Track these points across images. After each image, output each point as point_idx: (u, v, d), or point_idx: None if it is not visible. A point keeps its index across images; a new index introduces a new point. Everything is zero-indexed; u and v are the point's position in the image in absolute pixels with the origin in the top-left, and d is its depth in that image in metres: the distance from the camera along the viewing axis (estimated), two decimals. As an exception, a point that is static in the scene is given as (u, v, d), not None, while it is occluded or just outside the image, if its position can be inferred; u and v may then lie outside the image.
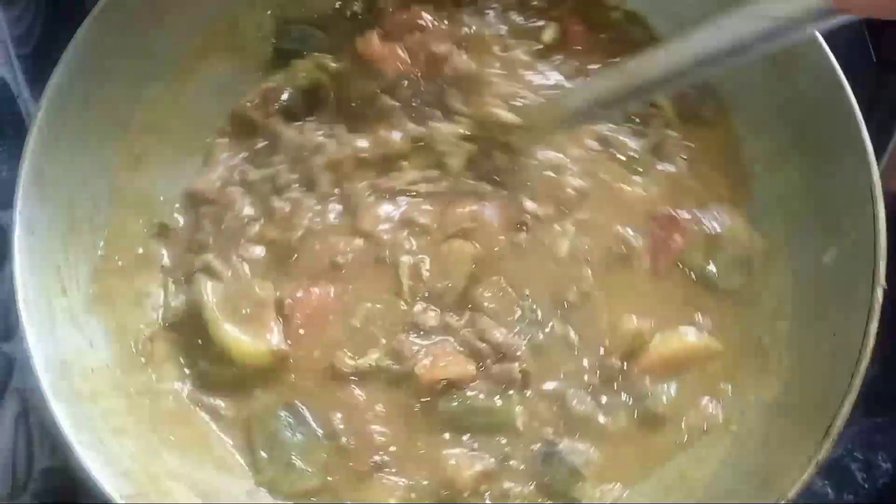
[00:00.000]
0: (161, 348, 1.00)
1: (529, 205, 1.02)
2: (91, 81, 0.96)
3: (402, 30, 1.07)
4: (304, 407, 0.96)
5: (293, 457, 0.94)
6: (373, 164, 1.05)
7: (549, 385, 0.96)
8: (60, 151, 0.93)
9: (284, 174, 1.05)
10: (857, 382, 0.82)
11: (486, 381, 0.95)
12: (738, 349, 0.98)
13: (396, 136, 1.05)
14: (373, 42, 1.07)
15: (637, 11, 1.11)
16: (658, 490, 0.94)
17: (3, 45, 1.19)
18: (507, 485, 0.92)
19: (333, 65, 1.09)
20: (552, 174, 1.03)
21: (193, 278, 1.00)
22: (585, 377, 0.96)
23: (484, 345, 0.95)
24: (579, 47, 1.10)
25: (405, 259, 1.00)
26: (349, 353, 0.97)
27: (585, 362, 0.96)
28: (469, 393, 0.94)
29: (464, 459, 0.93)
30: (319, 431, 0.95)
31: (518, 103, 1.04)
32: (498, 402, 0.94)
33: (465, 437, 0.94)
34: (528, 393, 0.95)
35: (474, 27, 1.09)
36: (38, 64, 1.17)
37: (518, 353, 0.95)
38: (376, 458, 0.93)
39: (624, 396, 0.95)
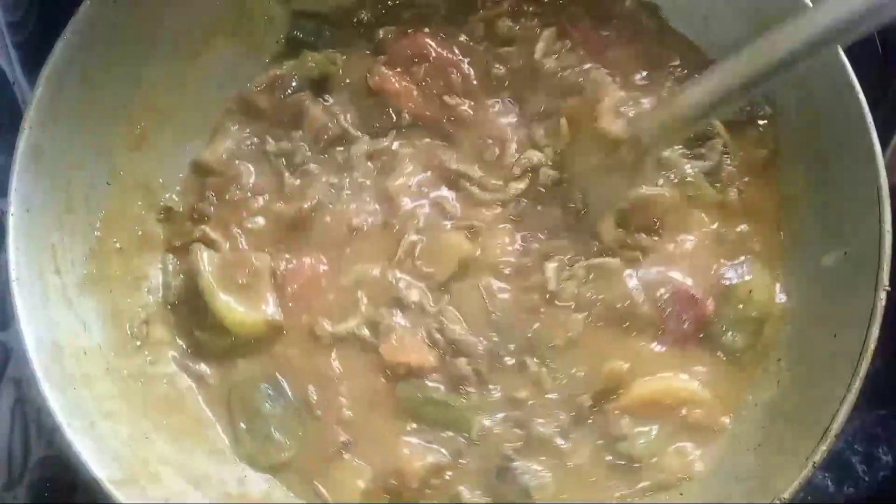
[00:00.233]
0: (157, 331, 1.00)
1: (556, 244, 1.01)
2: (91, 60, 0.95)
3: (407, 59, 1.08)
4: (283, 379, 0.97)
5: (272, 429, 0.95)
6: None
7: (511, 404, 0.95)
8: (58, 129, 0.93)
9: (303, 150, 1.06)
10: (857, 385, 0.81)
11: (445, 375, 0.95)
12: (726, 404, 0.95)
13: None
14: (384, 76, 1.07)
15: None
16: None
17: (-3, 32, 1.18)
18: (458, 488, 0.92)
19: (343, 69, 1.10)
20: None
21: (190, 248, 1.00)
22: (553, 407, 0.95)
23: (442, 339, 0.96)
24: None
25: (412, 234, 1.00)
26: (329, 319, 0.98)
27: (553, 392, 0.95)
28: (429, 383, 0.95)
29: (417, 450, 0.93)
30: (296, 403, 0.96)
31: (628, 111, 0.98)
32: (455, 398, 0.94)
33: (423, 428, 0.94)
34: (490, 400, 0.95)
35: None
36: (34, 51, 1.16)
37: (474, 353, 0.95)
38: (343, 437, 0.94)
39: (594, 433, 0.94)
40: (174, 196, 1.06)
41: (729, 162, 1.03)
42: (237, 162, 1.06)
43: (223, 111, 1.09)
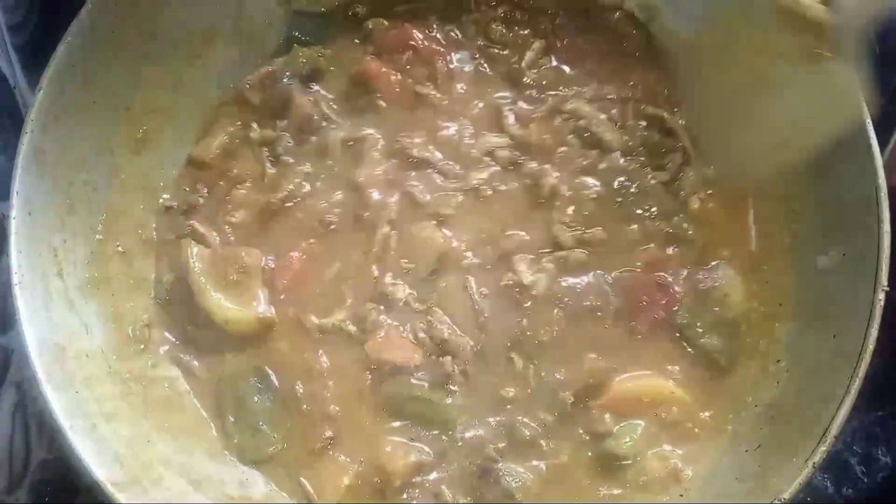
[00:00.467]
0: (158, 334, 1.00)
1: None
2: (93, 62, 0.96)
3: (394, 48, 1.10)
4: (272, 372, 0.97)
5: (260, 422, 0.95)
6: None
7: (496, 402, 0.95)
8: (60, 131, 0.93)
9: (285, 139, 1.07)
10: (856, 386, 0.81)
11: (430, 373, 0.95)
12: (704, 404, 0.96)
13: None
14: (365, 61, 1.09)
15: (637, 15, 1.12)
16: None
17: (-2, 34, 1.18)
18: (440, 487, 0.92)
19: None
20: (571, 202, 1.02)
21: (181, 244, 1.00)
22: (537, 405, 0.95)
23: (428, 338, 0.96)
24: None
25: (384, 227, 1.01)
26: (317, 311, 0.98)
27: (538, 390, 0.95)
28: (413, 381, 0.95)
29: (401, 448, 0.93)
30: (283, 397, 0.96)
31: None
32: (439, 395, 0.95)
33: (407, 426, 0.94)
34: (475, 399, 0.95)
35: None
36: (34, 54, 1.17)
37: (462, 354, 0.96)
38: (328, 433, 0.94)
39: (578, 432, 0.94)
40: (173, 196, 1.06)
41: (692, 173, 1.04)
42: (228, 155, 1.07)
43: (217, 106, 1.10)
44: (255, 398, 0.96)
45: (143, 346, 0.98)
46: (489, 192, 1.03)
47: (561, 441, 0.94)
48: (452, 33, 1.12)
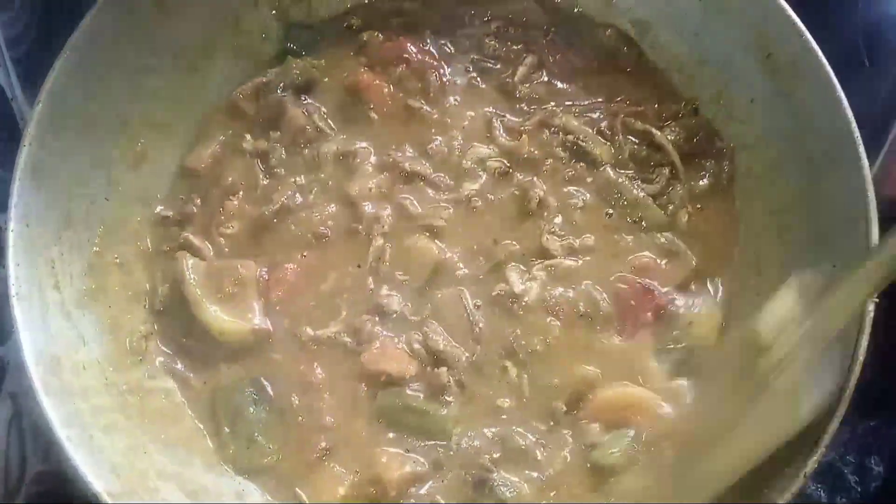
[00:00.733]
0: (154, 346, 1.00)
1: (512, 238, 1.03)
2: (91, 76, 0.96)
3: (387, 60, 1.11)
4: (267, 383, 0.97)
5: (255, 433, 0.95)
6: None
7: (491, 413, 0.95)
8: (58, 145, 0.94)
9: (278, 151, 1.07)
10: (847, 396, 0.81)
11: (425, 384, 0.96)
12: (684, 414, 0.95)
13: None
14: (358, 73, 1.10)
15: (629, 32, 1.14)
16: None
17: (-4, 48, 1.19)
18: (435, 498, 0.92)
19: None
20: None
21: (176, 256, 1.01)
22: (531, 415, 0.95)
23: (423, 349, 0.97)
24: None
25: (378, 239, 1.01)
26: (312, 323, 0.99)
27: (532, 400, 0.96)
28: (409, 392, 0.95)
29: (396, 459, 0.93)
30: (279, 408, 0.96)
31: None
32: (435, 406, 0.95)
33: (402, 436, 0.95)
34: (470, 410, 0.95)
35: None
36: (32, 67, 1.17)
37: (457, 365, 0.96)
38: (324, 443, 0.94)
39: (571, 441, 0.94)
40: (169, 207, 1.07)
41: (680, 188, 1.05)
42: (220, 164, 1.08)
43: (209, 114, 1.11)
44: (251, 409, 0.96)
45: (140, 358, 0.98)
46: (479, 204, 1.04)
47: (555, 450, 0.94)
48: (446, 47, 1.14)
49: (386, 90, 1.09)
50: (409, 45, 1.11)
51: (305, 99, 1.10)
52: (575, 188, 1.05)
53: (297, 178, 1.06)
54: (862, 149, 0.89)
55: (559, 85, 1.12)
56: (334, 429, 0.95)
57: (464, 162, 1.06)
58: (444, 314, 0.99)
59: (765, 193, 1.04)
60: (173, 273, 1.00)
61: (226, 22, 1.10)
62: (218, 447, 0.96)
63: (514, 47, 1.13)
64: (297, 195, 1.04)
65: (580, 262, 1.01)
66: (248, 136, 1.09)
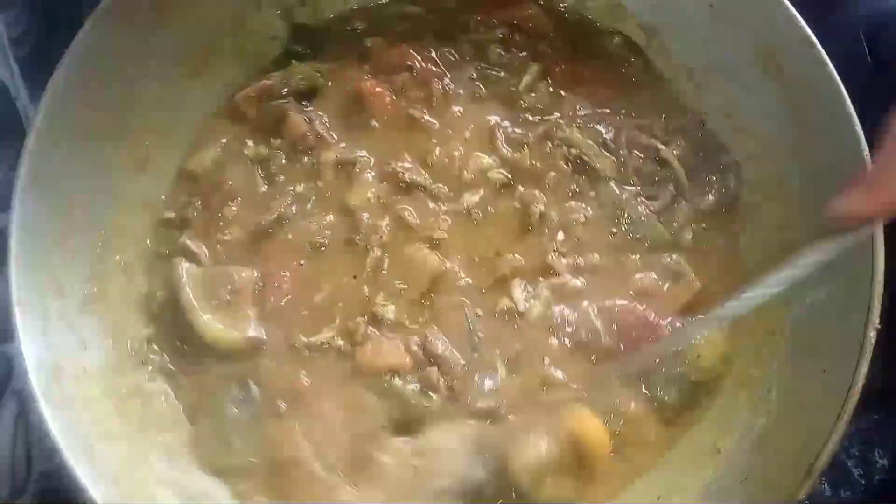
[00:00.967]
0: (155, 349, 1.01)
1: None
2: (93, 80, 0.96)
3: (391, 68, 1.10)
4: (256, 386, 0.97)
5: (234, 434, 0.95)
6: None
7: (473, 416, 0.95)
8: (60, 151, 0.94)
9: (279, 158, 1.07)
10: (843, 424, 0.81)
11: (417, 377, 0.95)
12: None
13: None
14: (361, 80, 1.10)
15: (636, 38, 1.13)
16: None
17: (0, 48, 1.19)
18: None
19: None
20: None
21: (172, 262, 1.01)
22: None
23: (421, 351, 0.96)
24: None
25: (376, 250, 1.01)
26: (305, 332, 0.99)
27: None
28: (397, 381, 0.95)
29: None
30: (263, 412, 0.96)
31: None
32: (420, 398, 0.94)
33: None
34: (452, 409, 0.95)
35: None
36: (36, 66, 1.18)
37: (451, 369, 0.95)
38: (306, 452, 0.94)
39: None
40: (171, 211, 1.07)
41: (685, 205, 1.04)
42: (221, 168, 1.08)
43: (211, 117, 1.11)
44: (234, 409, 0.96)
45: (141, 361, 0.99)
46: (480, 215, 1.03)
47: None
48: (450, 54, 1.12)
49: (388, 98, 1.08)
50: (412, 52, 1.10)
51: (307, 106, 1.09)
52: (577, 203, 1.04)
53: (297, 187, 1.05)
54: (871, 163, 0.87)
55: (564, 95, 1.10)
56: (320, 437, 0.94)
57: (465, 173, 1.05)
58: (443, 322, 0.98)
59: (769, 209, 1.02)
60: (170, 278, 1.00)
61: (231, 23, 1.10)
62: (193, 444, 0.96)
63: (520, 55, 1.12)
64: (296, 204, 1.04)
65: (586, 282, 1.00)
66: (250, 143, 1.08)
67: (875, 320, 0.84)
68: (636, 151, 1.07)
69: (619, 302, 0.99)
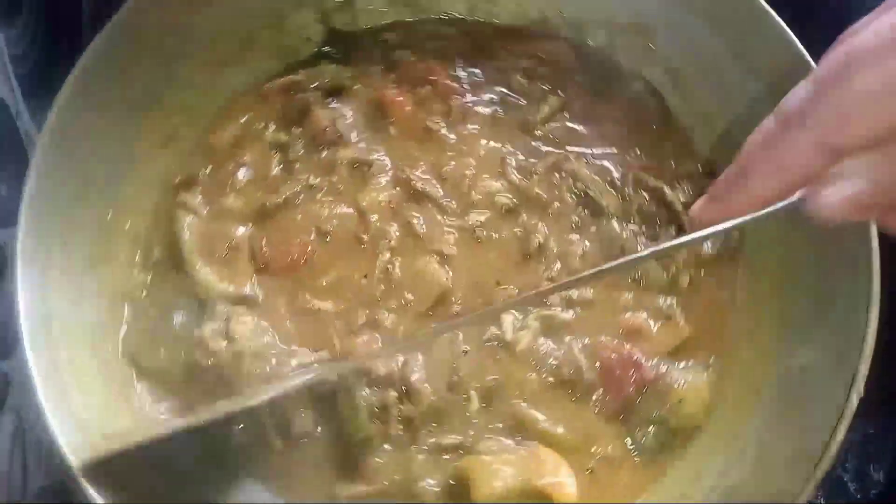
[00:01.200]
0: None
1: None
2: (131, 53, 0.98)
3: (415, 80, 1.12)
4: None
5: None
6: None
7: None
8: (90, 115, 0.95)
9: (297, 147, 1.09)
10: (811, 487, 0.80)
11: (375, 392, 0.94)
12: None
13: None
14: (385, 88, 1.12)
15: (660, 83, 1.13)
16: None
17: (1, 65, 1.21)
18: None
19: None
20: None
21: (175, 214, 1.03)
22: None
23: (397, 371, 0.95)
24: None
25: (385, 253, 1.01)
26: (303, 300, 0.99)
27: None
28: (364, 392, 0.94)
29: None
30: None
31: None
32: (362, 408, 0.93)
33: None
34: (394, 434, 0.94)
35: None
36: (37, 83, 1.19)
37: (418, 403, 0.94)
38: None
39: None
40: (182, 174, 1.08)
41: (685, 250, 1.03)
42: (240, 145, 1.10)
43: (236, 96, 1.13)
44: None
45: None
46: (484, 236, 1.04)
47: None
48: (475, 76, 1.14)
49: (409, 108, 1.10)
50: (438, 68, 1.13)
51: (332, 102, 1.12)
52: (577, 236, 1.04)
53: (310, 177, 1.06)
54: (874, 229, 0.87)
55: (579, 129, 1.11)
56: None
57: (473, 193, 1.06)
58: (429, 349, 0.97)
59: (770, 264, 1.01)
60: (170, 230, 1.02)
61: (271, 17, 1.13)
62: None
63: (542, 86, 1.14)
64: (304, 194, 1.05)
65: (576, 316, 1.00)
66: (272, 126, 1.11)
67: (860, 387, 0.82)
68: (642, 191, 1.07)
69: (605, 339, 0.98)
